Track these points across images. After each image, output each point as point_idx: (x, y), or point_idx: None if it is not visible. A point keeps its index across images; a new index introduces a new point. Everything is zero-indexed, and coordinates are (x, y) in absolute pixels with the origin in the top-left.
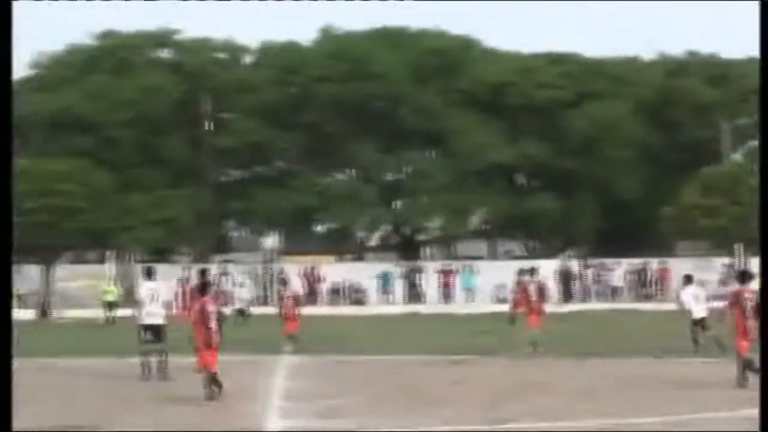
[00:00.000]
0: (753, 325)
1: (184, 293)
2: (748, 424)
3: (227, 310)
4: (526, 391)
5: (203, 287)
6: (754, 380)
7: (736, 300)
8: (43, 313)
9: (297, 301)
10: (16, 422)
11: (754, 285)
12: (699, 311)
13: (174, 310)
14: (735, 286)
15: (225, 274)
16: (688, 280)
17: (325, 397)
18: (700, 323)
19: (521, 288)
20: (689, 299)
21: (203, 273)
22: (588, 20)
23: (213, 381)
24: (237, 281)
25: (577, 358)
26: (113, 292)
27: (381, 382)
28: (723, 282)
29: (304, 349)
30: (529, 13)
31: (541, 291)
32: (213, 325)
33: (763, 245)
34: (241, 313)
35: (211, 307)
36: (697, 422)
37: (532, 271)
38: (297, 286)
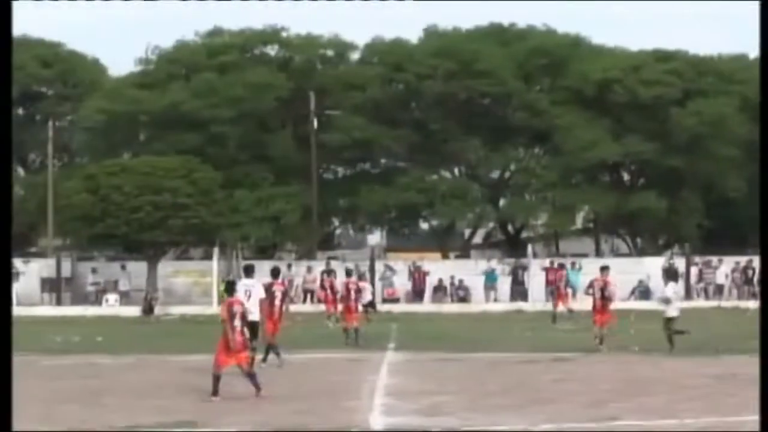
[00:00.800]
0: None
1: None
2: None
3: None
4: (630, 389)
5: (230, 286)
6: None
7: None
8: (149, 309)
9: (358, 293)
10: (119, 418)
11: None
12: (672, 310)
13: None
14: None
15: (330, 271)
16: (669, 276)
17: (428, 394)
18: (670, 321)
19: (556, 284)
20: (671, 296)
21: (248, 269)
22: (696, 17)
23: (251, 375)
24: (358, 277)
25: (681, 355)
26: None
27: (484, 380)
28: None
29: (359, 343)
30: (637, 11)
31: (604, 290)
32: (238, 324)
33: (763, 245)
34: (371, 306)
35: (237, 307)
36: None
37: (603, 270)
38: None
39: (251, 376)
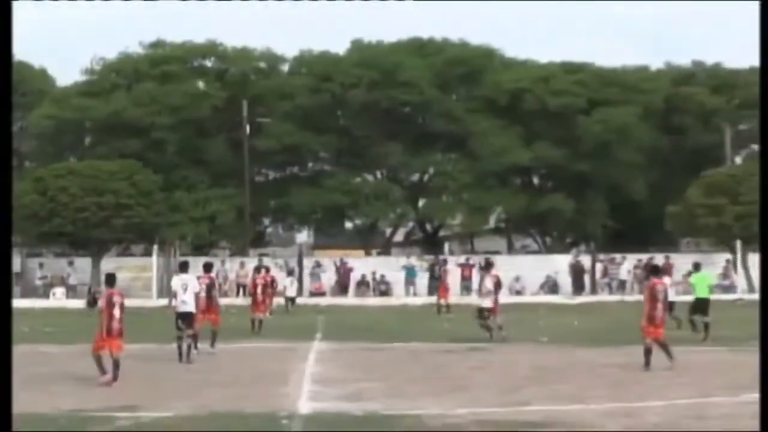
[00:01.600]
0: (662, 314)
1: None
2: (748, 409)
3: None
4: (541, 376)
5: (110, 278)
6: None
7: (651, 291)
8: (93, 302)
9: (265, 288)
10: (67, 402)
11: (695, 278)
12: (486, 302)
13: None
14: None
15: (262, 267)
16: (486, 267)
17: (353, 381)
18: (485, 312)
19: (443, 278)
20: (490, 287)
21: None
22: (601, 30)
23: (116, 364)
24: (287, 273)
25: (587, 346)
26: None
27: (405, 368)
28: (724, 275)
29: (260, 332)
30: (546, 22)
31: (497, 284)
32: (117, 313)
33: (763, 245)
34: (292, 300)
35: (117, 298)
36: (700, 406)
37: (488, 266)
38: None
39: (117, 362)
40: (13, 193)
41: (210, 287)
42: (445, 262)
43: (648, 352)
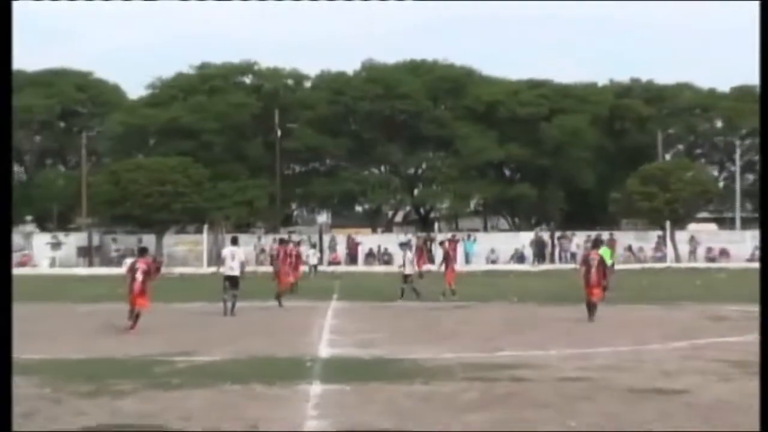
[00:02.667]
0: (595, 278)
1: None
2: (676, 353)
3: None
4: (511, 328)
5: (142, 251)
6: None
7: (585, 260)
8: (156, 270)
9: (296, 257)
10: (135, 348)
11: (601, 250)
12: (408, 269)
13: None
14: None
15: (291, 241)
16: (403, 245)
17: (362, 332)
18: (407, 278)
19: (419, 250)
20: (407, 259)
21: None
22: (559, 53)
23: (135, 317)
24: (310, 246)
25: (548, 304)
26: None
27: (404, 322)
28: (656, 249)
29: (298, 293)
30: (516, 48)
31: (452, 255)
32: (139, 277)
33: (763, 241)
34: (314, 268)
35: (140, 265)
36: (638, 352)
37: (404, 245)
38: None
39: (137, 316)
40: (93, 183)
41: (276, 256)
42: (420, 239)
43: (590, 308)
